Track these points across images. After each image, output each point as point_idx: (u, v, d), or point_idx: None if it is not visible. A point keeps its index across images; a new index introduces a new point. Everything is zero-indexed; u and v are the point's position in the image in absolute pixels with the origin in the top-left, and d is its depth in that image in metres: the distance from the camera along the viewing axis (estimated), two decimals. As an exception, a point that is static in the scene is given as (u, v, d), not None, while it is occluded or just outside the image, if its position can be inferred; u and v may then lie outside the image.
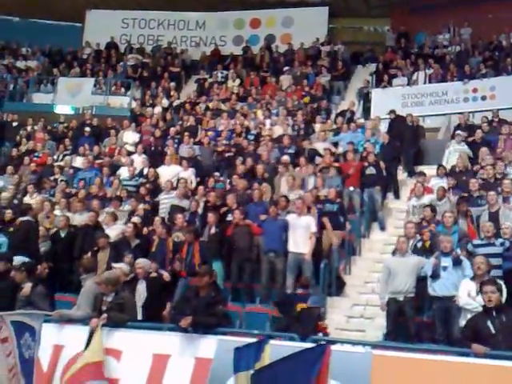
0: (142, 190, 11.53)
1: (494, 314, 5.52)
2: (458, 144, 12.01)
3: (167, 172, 12.49)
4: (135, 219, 10.02)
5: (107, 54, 21.14)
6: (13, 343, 5.63)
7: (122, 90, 18.66)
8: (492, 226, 7.96)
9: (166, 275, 8.32)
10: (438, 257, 7.49)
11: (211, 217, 9.61)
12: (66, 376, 6.18)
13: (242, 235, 9.31)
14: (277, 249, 9.07)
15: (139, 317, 7.38)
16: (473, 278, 6.84)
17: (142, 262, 8.01)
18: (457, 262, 7.30)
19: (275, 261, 9.03)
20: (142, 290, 7.71)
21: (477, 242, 7.89)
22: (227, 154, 13.37)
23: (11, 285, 7.57)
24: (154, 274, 8.01)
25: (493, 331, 5.41)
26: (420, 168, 12.69)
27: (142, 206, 10.73)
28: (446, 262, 7.38)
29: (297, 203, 9.36)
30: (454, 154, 11.70)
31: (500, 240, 7.75)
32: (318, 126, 14.43)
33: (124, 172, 12.87)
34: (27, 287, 7.66)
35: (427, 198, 9.79)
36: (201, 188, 11.21)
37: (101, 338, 6.26)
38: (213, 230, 9.50)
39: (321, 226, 9.50)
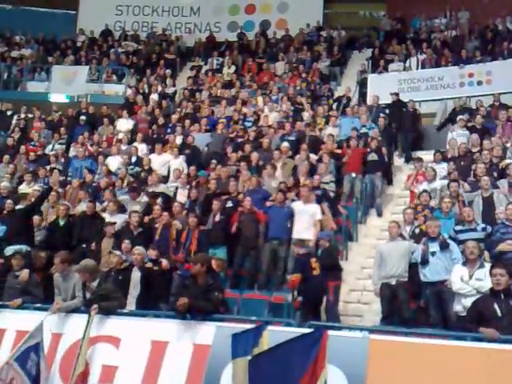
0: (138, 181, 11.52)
1: (502, 297, 5.53)
2: (461, 129, 11.97)
3: (158, 161, 12.49)
4: (137, 208, 10.03)
5: (102, 42, 20.99)
6: (19, 377, 5.83)
7: (114, 77, 18.57)
8: (472, 211, 8.00)
9: (166, 263, 8.29)
10: (426, 242, 7.53)
11: (216, 204, 9.62)
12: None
13: (248, 223, 9.32)
14: (281, 237, 9.09)
15: (132, 307, 7.36)
16: (465, 263, 6.88)
17: (141, 249, 7.98)
18: (444, 246, 7.35)
19: (278, 248, 9.06)
20: (136, 278, 7.63)
21: (458, 227, 7.92)
22: (239, 140, 13.25)
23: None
24: (149, 265, 7.96)
25: (499, 314, 5.42)
26: (417, 153, 12.68)
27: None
28: (434, 247, 7.43)
29: (302, 190, 9.36)
30: (459, 139, 11.63)
31: (481, 225, 7.78)
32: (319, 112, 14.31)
33: (113, 161, 12.79)
34: (25, 273, 7.70)
35: (439, 183, 9.76)
36: (183, 176, 11.25)
37: (86, 346, 6.29)
38: (217, 218, 9.51)
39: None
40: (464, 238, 7.41)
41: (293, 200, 9.64)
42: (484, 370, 4.99)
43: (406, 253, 7.78)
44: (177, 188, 11.11)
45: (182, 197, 10.77)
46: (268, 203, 9.66)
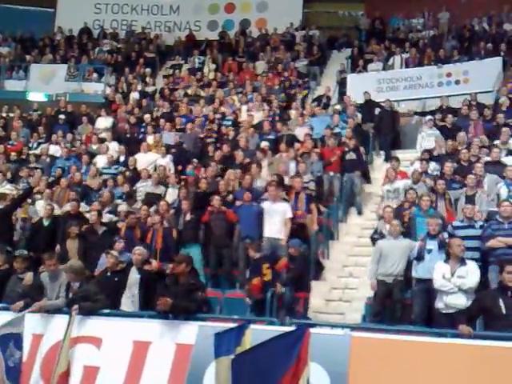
0: (121, 178, 11.46)
1: (510, 294, 5.56)
2: (430, 129, 12.12)
3: (144, 159, 12.43)
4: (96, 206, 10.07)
5: (80, 40, 20.82)
6: None
7: (95, 75, 18.44)
8: (473, 208, 8.03)
9: (155, 264, 8.17)
10: (425, 239, 7.57)
11: (185, 204, 9.66)
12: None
13: (218, 222, 9.36)
14: (253, 235, 9.09)
15: (128, 308, 7.28)
16: (447, 261, 6.94)
17: (141, 249, 7.80)
18: (442, 245, 7.36)
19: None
20: (134, 280, 7.46)
21: (457, 223, 7.96)
22: (209, 140, 13.29)
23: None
24: (147, 267, 7.87)
25: (503, 311, 5.46)
26: (396, 152, 12.80)
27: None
28: (432, 244, 7.45)
29: (270, 189, 9.40)
30: (428, 139, 11.78)
31: (480, 222, 7.85)
32: (293, 112, 14.42)
33: (100, 160, 12.74)
34: (29, 276, 7.60)
35: (401, 183, 9.88)
36: (172, 176, 11.22)
37: (68, 347, 6.25)
38: (188, 217, 9.54)
39: (308, 212, 9.54)
40: (462, 234, 7.44)
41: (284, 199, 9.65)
42: (464, 366, 5.06)
43: (407, 251, 7.76)
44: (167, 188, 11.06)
45: (171, 196, 10.70)
46: (237, 203, 9.69)
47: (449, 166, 9.61)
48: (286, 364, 4.78)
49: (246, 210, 9.40)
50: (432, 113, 13.39)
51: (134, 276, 7.50)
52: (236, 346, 5.13)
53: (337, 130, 12.57)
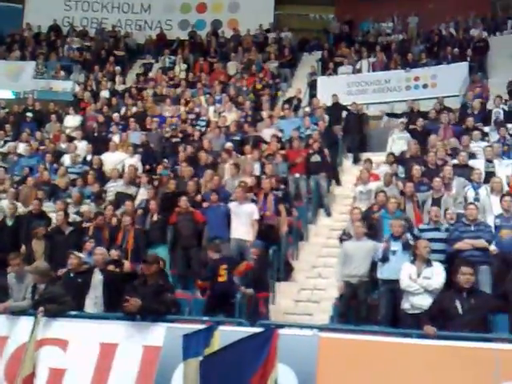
0: (91, 177, 11.32)
1: (465, 295, 5.67)
2: (401, 132, 12.29)
3: (111, 159, 12.32)
4: (82, 208, 10.00)
5: (49, 37, 20.51)
6: None
7: (62, 73, 18.21)
8: (439, 210, 8.17)
9: (127, 265, 8.05)
10: (389, 241, 7.67)
11: (153, 204, 9.62)
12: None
13: (185, 223, 9.33)
14: (221, 236, 9.08)
15: (91, 310, 7.20)
16: (413, 261, 7.05)
17: (102, 250, 7.77)
18: (406, 247, 7.48)
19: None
20: (97, 281, 7.35)
21: (423, 226, 8.08)
22: (174, 140, 13.26)
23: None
24: (111, 267, 7.79)
25: (460, 311, 5.55)
26: (364, 155, 12.95)
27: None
28: (396, 246, 7.53)
29: (237, 191, 9.40)
30: (398, 142, 11.94)
31: (445, 225, 7.98)
32: (265, 114, 14.48)
33: (68, 159, 12.61)
34: None
35: (374, 185, 9.98)
36: (143, 175, 11.16)
37: (33, 350, 6.17)
38: (155, 217, 9.50)
39: (277, 213, 9.56)
40: (428, 236, 7.53)
41: (252, 200, 9.66)
42: (428, 365, 5.15)
43: (370, 253, 7.82)
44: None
45: (143, 197, 10.60)
46: (204, 204, 9.67)
47: (417, 169, 9.73)
48: (254, 365, 4.80)
49: (214, 211, 9.40)
50: (400, 116, 13.58)
51: (97, 277, 7.44)
52: (204, 348, 5.13)
53: (308, 131, 12.63)
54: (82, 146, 13.10)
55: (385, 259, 7.50)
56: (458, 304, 5.58)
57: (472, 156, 10.41)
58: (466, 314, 5.52)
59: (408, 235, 7.65)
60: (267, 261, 8.80)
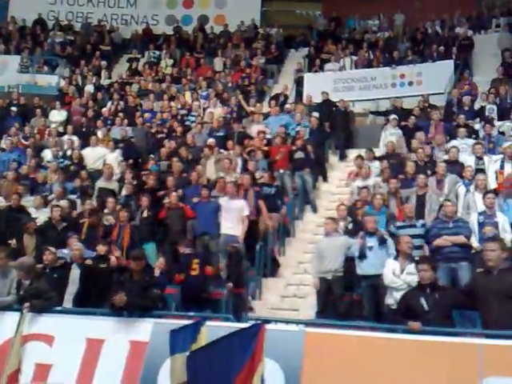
0: (84, 173, 11.34)
1: (428, 291, 5.74)
2: (394, 128, 12.34)
3: (92, 154, 12.28)
4: (61, 203, 9.89)
5: (34, 31, 20.32)
6: None
7: (46, 68, 18.05)
8: (413, 207, 8.24)
9: (114, 260, 8.06)
10: (364, 237, 7.74)
11: (145, 200, 9.57)
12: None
13: (175, 218, 9.31)
14: (210, 231, 9.10)
15: (69, 305, 7.20)
16: (397, 258, 7.13)
17: (79, 245, 7.84)
18: (382, 242, 7.58)
19: (210, 243, 9.07)
20: (75, 276, 7.42)
21: (399, 223, 8.16)
22: (159, 136, 13.22)
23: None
24: (89, 262, 7.79)
25: (426, 308, 5.62)
26: (350, 152, 13.02)
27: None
28: (372, 241, 7.64)
29: (228, 186, 9.41)
30: (390, 138, 11.98)
31: (421, 221, 8.06)
32: (249, 109, 14.45)
33: (49, 154, 12.57)
34: None
35: (373, 180, 9.97)
36: (128, 171, 11.10)
37: (19, 345, 6.14)
38: (145, 214, 9.47)
39: (258, 209, 9.57)
40: (404, 233, 7.61)
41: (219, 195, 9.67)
42: (413, 360, 5.21)
43: (342, 248, 7.96)
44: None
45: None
46: (194, 199, 9.67)
47: (411, 165, 9.73)
48: (241, 360, 4.82)
49: (203, 206, 9.38)
50: (385, 113, 13.66)
51: (74, 272, 7.44)
52: (191, 343, 5.14)
53: (298, 128, 12.65)
54: (70, 141, 12.99)
55: (362, 256, 7.59)
56: (423, 300, 5.65)
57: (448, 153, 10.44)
58: (431, 309, 5.59)
59: (382, 230, 7.74)
60: (242, 257, 8.79)
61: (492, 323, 5.15)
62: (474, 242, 7.54)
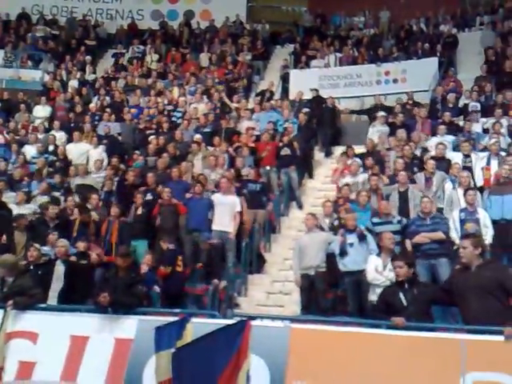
0: (73, 169, 11.24)
1: (406, 286, 5.79)
2: (381, 125, 12.39)
3: (75, 149, 12.21)
4: (44, 198, 9.89)
5: (17, 26, 20.11)
6: None
7: (29, 63, 17.89)
8: (388, 204, 8.29)
9: (95, 256, 8.04)
10: (344, 234, 7.79)
11: (139, 198, 9.52)
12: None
13: (168, 215, 9.27)
14: (201, 228, 9.09)
15: (54, 302, 7.16)
16: (379, 254, 7.18)
17: (64, 241, 7.78)
18: (362, 238, 7.64)
19: (199, 240, 9.06)
20: (59, 272, 7.38)
21: (376, 220, 8.19)
22: (148, 132, 13.16)
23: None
24: (73, 258, 7.76)
25: (405, 303, 5.67)
26: (336, 149, 13.06)
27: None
28: (352, 238, 7.70)
29: (222, 182, 9.40)
30: (376, 134, 12.02)
31: (397, 218, 8.12)
32: (233, 105, 14.45)
33: (29, 149, 12.45)
34: None
35: (362, 177, 10.01)
36: (109, 167, 11.13)
37: (2, 343, 6.11)
38: (139, 211, 9.42)
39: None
40: (381, 229, 7.70)
41: (213, 192, 9.67)
42: (397, 355, 5.27)
43: (324, 244, 8.01)
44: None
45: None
46: (187, 195, 9.65)
47: (400, 162, 9.78)
48: (227, 356, 4.82)
49: (196, 202, 9.36)
50: (368, 111, 13.72)
51: (59, 268, 7.40)
52: (177, 340, 5.13)
53: (286, 124, 12.65)
54: (60, 137, 12.91)
55: (343, 253, 7.64)
56: (401, 296, 5.70)
57: (425, 150, 10.51)
58: (409, 304, 5.64)
59: (361, 227, 7.79)
60: (218, 253, 8.79)
61: (471, 319, 5.21)
62: (456, 238, 7.59)
